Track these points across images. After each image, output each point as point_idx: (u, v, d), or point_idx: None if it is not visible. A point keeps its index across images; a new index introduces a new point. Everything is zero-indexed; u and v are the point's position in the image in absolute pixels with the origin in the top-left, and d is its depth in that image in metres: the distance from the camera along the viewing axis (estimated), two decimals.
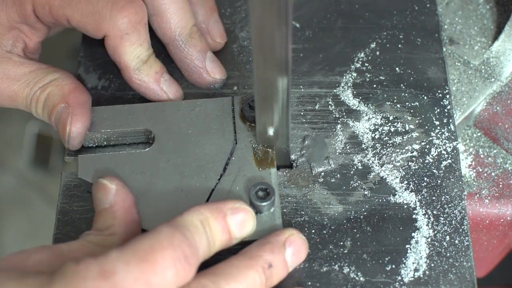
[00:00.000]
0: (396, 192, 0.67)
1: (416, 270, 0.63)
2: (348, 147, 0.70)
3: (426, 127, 0.71)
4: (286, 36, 0.54)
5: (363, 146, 0.70)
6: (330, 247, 0.65)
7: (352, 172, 0.69)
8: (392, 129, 0.71)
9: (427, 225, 0.66)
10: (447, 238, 0.65)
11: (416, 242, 0.65)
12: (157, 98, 0.71)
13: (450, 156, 0.69)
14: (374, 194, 0.67)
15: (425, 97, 0.73)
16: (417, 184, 0.68)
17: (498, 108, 0.76)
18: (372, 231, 0.65)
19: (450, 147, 0.70)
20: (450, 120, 0.71)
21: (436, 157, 0.69)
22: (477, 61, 0.77)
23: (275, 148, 0.67)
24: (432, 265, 0.64)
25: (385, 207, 0.67)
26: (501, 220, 0.74)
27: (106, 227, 0.60)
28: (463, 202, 0.67)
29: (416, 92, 0.73)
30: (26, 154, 1.82)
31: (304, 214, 0.67)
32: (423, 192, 0.67)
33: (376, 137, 0.70)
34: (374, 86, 0.73)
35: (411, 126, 0.71)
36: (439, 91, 0.73)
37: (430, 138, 0.70)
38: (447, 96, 0.73)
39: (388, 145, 0.70)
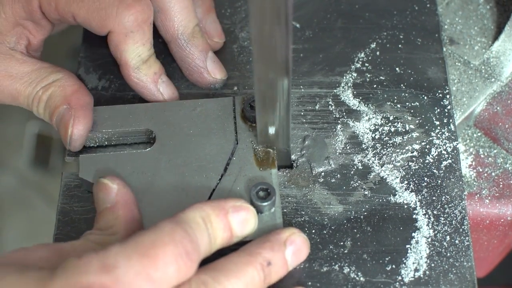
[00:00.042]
0: (396, 192, 0.67)
1: (416, 270, 0.63)
2: (348, 147, 0.70)
3: (426, 127, 0.71)
4: (286, 37, 0.54)
5: (363, 146, 0.70)
6: (330, 247, 0.65)
7: (352, 172, 0.69)
8: (392, 129, 0.71)
9: (428, 225, 0.66)
10: (448, 238, 0.65)
11: (417, 242, 0.65)
12: (153, 99, 0.71)
13: (450, 156, 0.69)
14: (374, 194, 0.67)
15: (425, 97, 0.73)
16: (417, 184, 0.68)
17: (498, 108, 0.76)
18: (372, 231, 0.65)
19: (450, 147, 0.70)
20: (450, 120, 0.71)
21: (436, 157, 0.69)
22: (477, 61, 0.77)
23: (276, 148, 0.67)
24: (433, 265, 0.64)
25: (385, 207, 0.67)
26: (502, 220, 0.74)
27: (108, 226, 0.60)
28: (463, 202, 0.67)
29: (416, 92, 0.73)
30: (26, 154, 1.82)
31: (304, 214, 0.67)
32: (424, 192, 0.67)
33: (376, 137, 0.71)
34: (374, 86, 0.74)
35: (411, 126, 0.71)
36: (439, 91, 0.73)
37: (430, 138, 0.70)
38: (447, 96, 0.73)
39: (388, 145, 0.70)
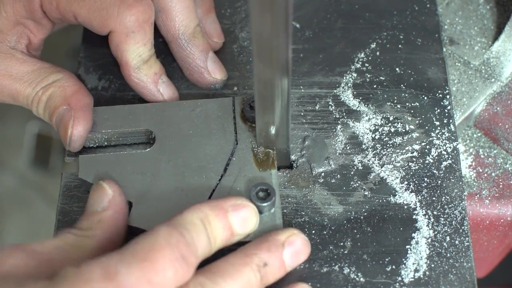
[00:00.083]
0: (396, 193, 0.67)
1: (416, 270, 0.63)
2: (348, 148, 0.70)
3: (426, 127, 0.71)
4: (286, 37, 0.54)
5: (363, 146, 0.70)
6: (330, 247, 0.65)
7: (352, 173, 0.69)
8: (392, 129, 0.71)
9: (427, 225, 0.66)
10: (448, 238, 0.65)
11: (416, 243, 0.65)
12: (153, 99, 0.71)
13: (450, 156, 0.69)
14: (374, 195, 0.67)
15: (425, 98, 0.73)
16: (417, 184, 0.68)
17: (498, 108, 0.76)
18: (372, 231, 0.65)
19: (450, 147, 0.70)
20: (450, 121, 0.71)
21: (436, 158, 0.69)
22: (477, 62, 0.77)
23: (275, 148, 0.67)
24: (432, 265, 0.64)
25: (385, 208, 0.67)
26: (501, 220, 0.74)
27: (89, 228, 0.60)
28: (463, 202, 0.67)
29: (416, 92, 0.73)
30: (26, 154, 1.82)
31: (304, 214, 0.67)
32: (423, 192, 0.67)
33: (376, 137, 0.71)
34: (374, 86, 0.73)
35: (411, 127, 0.71)
36: (439, 91, 0.73)
37: (430, 139, 0.70)
38: (447, 97, 0.73)
39: (388, 145, 0.70)
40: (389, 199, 0.67)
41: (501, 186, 0.74)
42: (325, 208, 0.67)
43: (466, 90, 0.76)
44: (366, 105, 0.72)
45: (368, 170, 0.69)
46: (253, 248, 0.60)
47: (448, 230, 0.65)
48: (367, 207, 0.67)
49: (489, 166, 0.76)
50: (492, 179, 0.75)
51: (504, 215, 0.74)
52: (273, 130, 0.65)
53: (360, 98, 0.73)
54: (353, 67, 0.75)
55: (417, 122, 0.71)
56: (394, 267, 0.63)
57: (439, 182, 0.68)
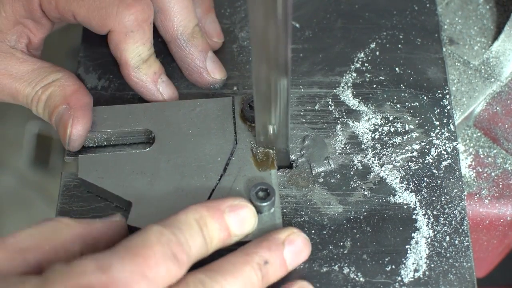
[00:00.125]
0: (396, 193, 0.67)
1: (416, 270, 0.63)
2: (348, 147, 0.70)
3: (426, 127, 0.71)
4: (285, 36, 0.54)
5: (363, 146, 0.70)
6: (330, 247, 0.65)
7: (352, 173, 0.69)
8: (392, 129, 0.71)
9: (427, 225, 0.65)
10: (447, 238, 0.65)
11: (416, 243, 0.65)
12: (153, 98, 0.71)
13: (450, 156, 0.69)
14: (374, 195, 0.67)
15: (425, 97, 0.73)
16: (417, 184, 0.68)
17: (498, 108, 0.76)
18: (372, 231, 0.65)
19: (450, 147, 0.70)
20: (450, 120, 0.71)
21: (436, 157, 0.69)
22: (477, 61, 0.77)
23: (275, 148, 0.67)
24: (432, 265, 0.64)
25: (385, 208, 0.67)
26: (501, 220, 0.74)
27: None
28: (463, 202, 0.67)
29: (416, 92, 0.73)
30: (26, 154, 1.82)
31: (304, 214, 0.67)
32: (423, 192, 0.67)
33: (376, 137, 0.71)
34: (374, 86, 0.73)
35: (411, 126, 0.71)
36: (439, 91, 0.73)
37: (430, 138, 0.70)
38: (447, 96, 0.73)
39: (388, 145, 0.70)
40: (388, 199, 0.67)
41: (500, 186, 0.74)
42: (324, 208, 0.67)
43: (466, 90, 0.76)
44: (365, 105, 0.72)
45: (367, 170, 0.69)
46: (253, 247, 0.60)
47: (448, 230, 0.65)
48: (366, 207, 0.67)
49: (489, 166, 0.76)
50: (492, 179, 0.75)
51: (503, 215, 0.74)
52: (272, 130, 0.65)
53: (360, 98, 0.73)
54: (352, 67, 0.75)
55: (416, 122, 0.71)
56: (393, 267, 0.63)
57: (439, 182, 0.68)
